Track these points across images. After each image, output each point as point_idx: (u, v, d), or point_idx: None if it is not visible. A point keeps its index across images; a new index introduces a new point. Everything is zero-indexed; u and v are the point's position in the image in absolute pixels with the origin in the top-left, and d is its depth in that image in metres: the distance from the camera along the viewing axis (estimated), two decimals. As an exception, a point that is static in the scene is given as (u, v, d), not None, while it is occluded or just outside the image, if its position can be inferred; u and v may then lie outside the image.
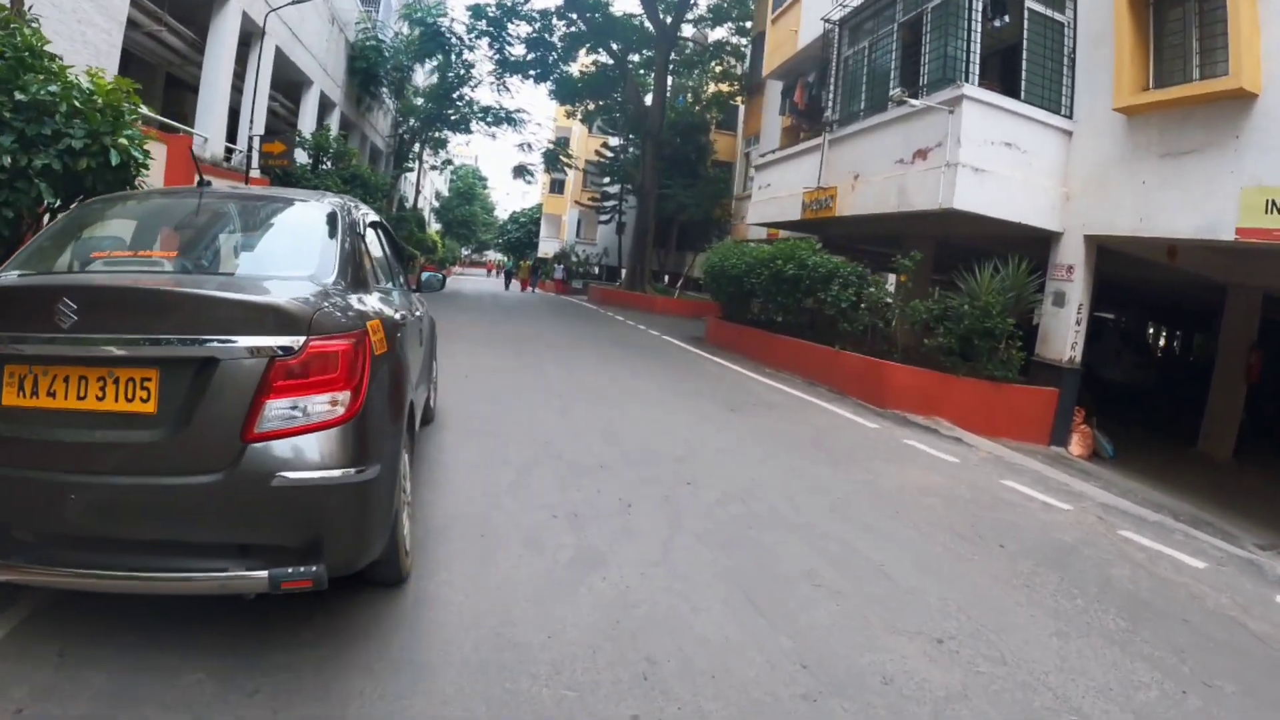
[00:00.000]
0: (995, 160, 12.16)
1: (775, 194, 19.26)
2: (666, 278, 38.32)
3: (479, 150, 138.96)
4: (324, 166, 20.39)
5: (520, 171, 40.65)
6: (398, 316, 4.37)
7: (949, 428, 11.09)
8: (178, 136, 13.65)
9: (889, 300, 12.82)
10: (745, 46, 35.97)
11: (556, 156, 40.03)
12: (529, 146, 38.85)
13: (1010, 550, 5.85)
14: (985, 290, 11.58)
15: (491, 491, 5.83)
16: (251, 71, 17.96)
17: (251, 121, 16.49)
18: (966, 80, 12.36)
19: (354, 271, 3.88)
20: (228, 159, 14.38)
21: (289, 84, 22.42)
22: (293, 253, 3.84)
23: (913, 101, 12.43)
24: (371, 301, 3.88)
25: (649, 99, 35.59)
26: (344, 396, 3.12)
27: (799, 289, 14.58)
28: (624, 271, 46.55)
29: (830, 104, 16.60)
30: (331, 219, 4.09)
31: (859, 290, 13.45)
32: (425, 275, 7.06)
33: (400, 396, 3.94)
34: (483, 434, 7.62)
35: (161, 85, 20.57)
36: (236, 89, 18.14)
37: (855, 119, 15.69)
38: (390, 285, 5.19)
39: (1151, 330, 30.11)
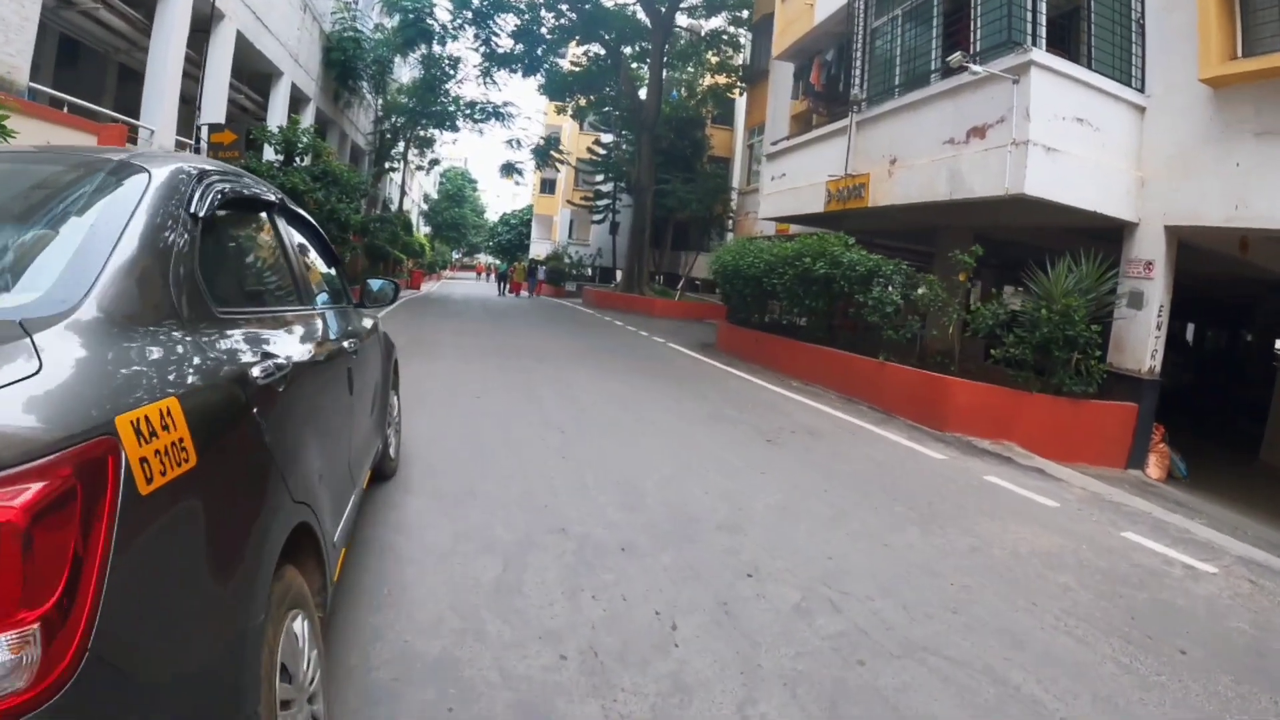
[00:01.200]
0: (1067, 138, 10.46)
1: (792, 184, 17.38)
2: (661, 278, 36.46)
3: (468, 152, 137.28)
4: (300, 162, 18.44)
5: (509, 169, 38.48)
6: (282, 359, 2.46)
7: (1024, 455, 9.33)
8: (110, 126, 11.72)
9: (946, 304, 10.87)
10: (743, 36, 34.19)
11: (547, 153, 37.98)
12: (518, 143, 36.54)
13: (1195, 658, 4.15)
14: (1060, 292, 9.74)
15: (467, 606, 3.89)
16: (211, 58, 16.02)
17: (199, 109, 14.56)
18: (1034, 44, 10.51)
19: (163, 292, 1.92)
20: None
21: (256, 75, 20.46)
22: (26, 258, 1.86)
23: (976, 68, 10.55)
24: (193, 351, 1.91)
25: (643, 93, 33.62)
26: (31, 633, 1.21)
27: (831, 291, 12.69)
28: (619, 273, 45.08)
29: (857, 82, 14.71)
30: (131, 196, 2.10)
31: (905, 292, 11.60)
32: (372, 285, 5.08)
33: (240, 561, 1.88)
34: (459, 496, 5.69)
35: (114, 77, 18.67)
36: (193, 78, 16.24)
37: (888, 96, 13.85)
38: (298, 303, 3.34)
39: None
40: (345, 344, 3.80)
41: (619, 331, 21.07)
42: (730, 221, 30.37)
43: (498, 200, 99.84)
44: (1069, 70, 10.57)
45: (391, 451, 5.86)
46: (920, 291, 11.16)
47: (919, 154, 12.45)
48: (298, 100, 22.95)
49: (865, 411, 11.16)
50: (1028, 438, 9.68)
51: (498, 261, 74.25)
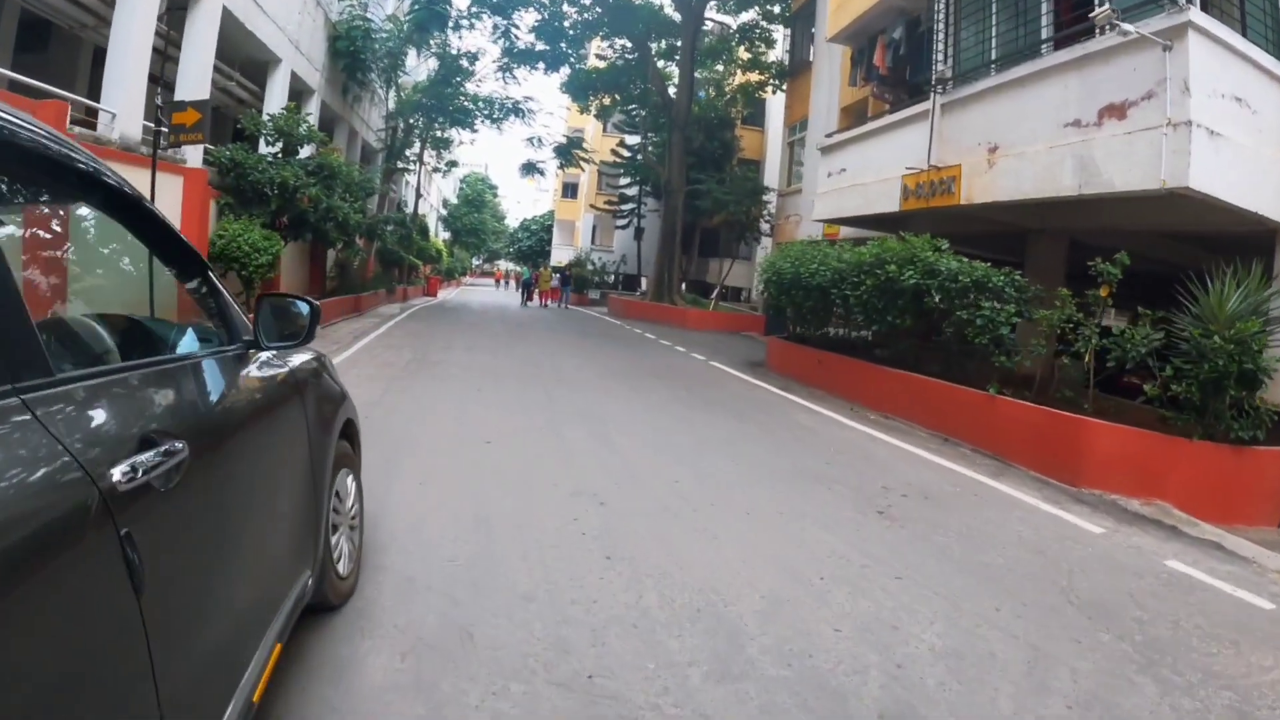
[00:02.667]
0: (1227, 121, 8.41)
1: (855, 180, 15.18)
2: (683, 286, 34.21)
3: (488, 158, 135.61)
4: (303, 154, 16.34)
5: (530, 169, 36.22)
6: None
7: (1185, 520, 7.21)
8: (48, 103, 9.66)
9: (1083, 327, 8.59)
10: (776, 29, 31.95)
11: (570, 151, 35.75)
12: (539, 141, 34.30)
13: None
14: (1224, 313, 7.54)
15: None
16: (190, 36, 13.97)
17: (162, 88, 12.47)
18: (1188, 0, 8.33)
19: None
20: (156, 142, 10.43)
21: (250, 62, 18.43)
22: None
23: (1127, 27, 8.33)
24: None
25: (673, 90, 31.39)
26: None
27: (921, 306, 10.44)
28: (643, 280, 43.03)
29: (940, 57, 12.45)
30: None
31: (1020, 309, 9.41)
32: (278, 307, 2.86)
33: None
34: (448, 649, 3.48)
35: (89, 60, 16.69)
36: (177, 61, 14.23)
37: (983, 73, 11.66)
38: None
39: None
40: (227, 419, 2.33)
41: (653, 347, 18.86)
42: (768, 225, 28.03)
43: (518, 206, 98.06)
44: (1228, 38, 8.44)
45: (342, 567, 3.71)
46: (1044, 313, 8.90)
47: (1030, 140, 10.27)
48: (300, 93, 20.87)
49: (971, 457, 8.94)
50: (1183, 495, 7.51)
51: (519, 268, 72.22)
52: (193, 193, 13.07)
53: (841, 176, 15.98)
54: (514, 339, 18.33)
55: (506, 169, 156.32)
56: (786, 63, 31.36)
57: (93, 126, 11.42)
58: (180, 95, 13.53)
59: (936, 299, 10.03)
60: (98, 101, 11.68)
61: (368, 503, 4.71)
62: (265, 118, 15.49)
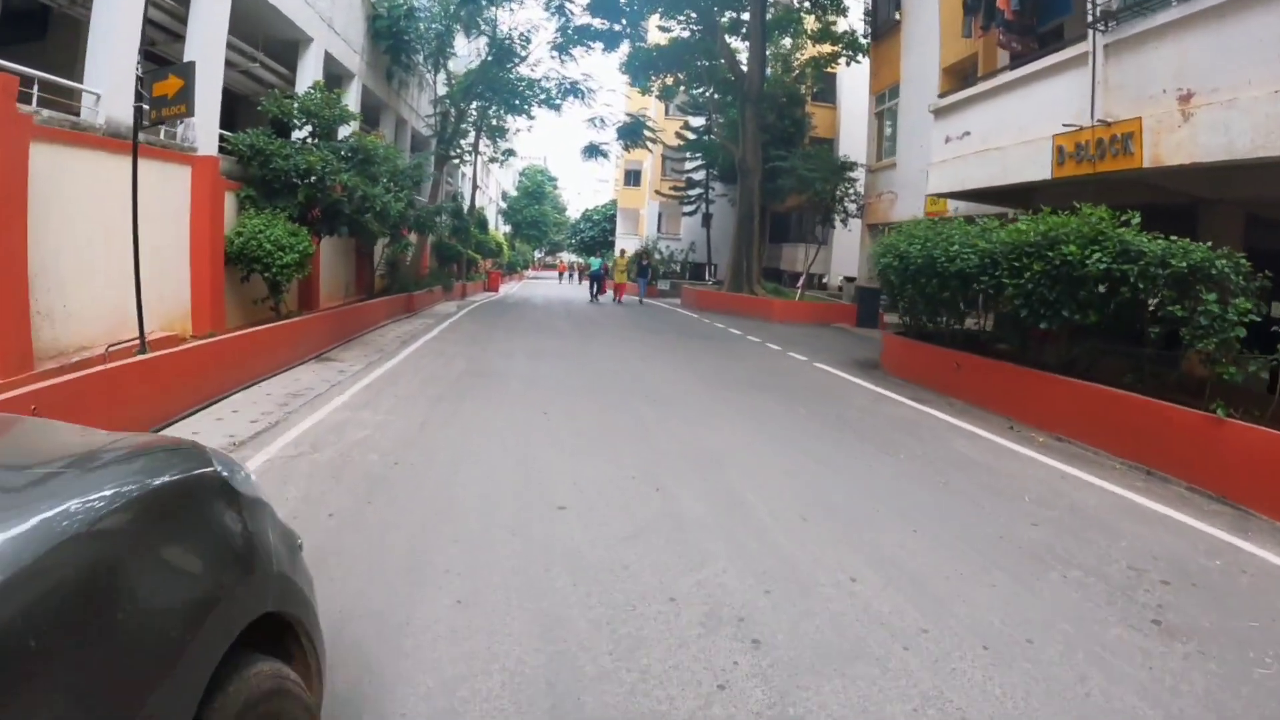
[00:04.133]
0: None
1: (986, 144, 12.77)
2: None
3: (546, 150, 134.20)
4: (346, 136, 14.32)
5: (592, 152, 33.94)
6: None
7: None
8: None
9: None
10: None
11: (635, 130, 33.46)
12: (601, 121, 32.03)
13: None
14: None
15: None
16: (198, 8, 12.01)
17: (144, 57, 10.47)
18: None
19: None
20: (137, 121, 8.49)
21: (276, 42, 16.45)
22: None
23: None
24: None
25: (742, 63, 28.93)
26: None
27: (1115, 297, 8.03)
28: (709, 268, 40.82)
29: (1102, -16, 10.02)
30: None
31: (1257, 302, 7.05)
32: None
33: None
34: None
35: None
36: (180, 38, 12.37)
37: (1163, 3, 9.16)
38: None
39: None
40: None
41: (742, 345, 16.55)
42: (853, 206, 25.47)
43: (578, 197, 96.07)
44: None
45: None
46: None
47: (1243, 83, 7.82)
48: (339, 78, 18.91)
49: (1195, 501, 6.60)
50: None
51: (583, 259, 70.01)
52: (203, 184, 11.17)
53: (965, 142, 13.57)
54: (584, 340, 16.23)
55: (565, 161, 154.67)
56: (862, 30, 28.72)
57: (77, 112, 9.52)
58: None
59: (1138, 288, 7.63)
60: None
61: (371, 645, 2.64)
62: (287, 97, 13.44)
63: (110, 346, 9.02)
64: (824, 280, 36.42)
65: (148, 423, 7.31)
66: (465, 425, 7.82)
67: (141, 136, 10.25)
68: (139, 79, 8.34)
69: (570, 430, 7.82)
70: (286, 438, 7.25)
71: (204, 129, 11.60)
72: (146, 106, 8.35)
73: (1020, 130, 11.70)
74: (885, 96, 24.53)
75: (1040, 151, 10.94)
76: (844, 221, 25.91)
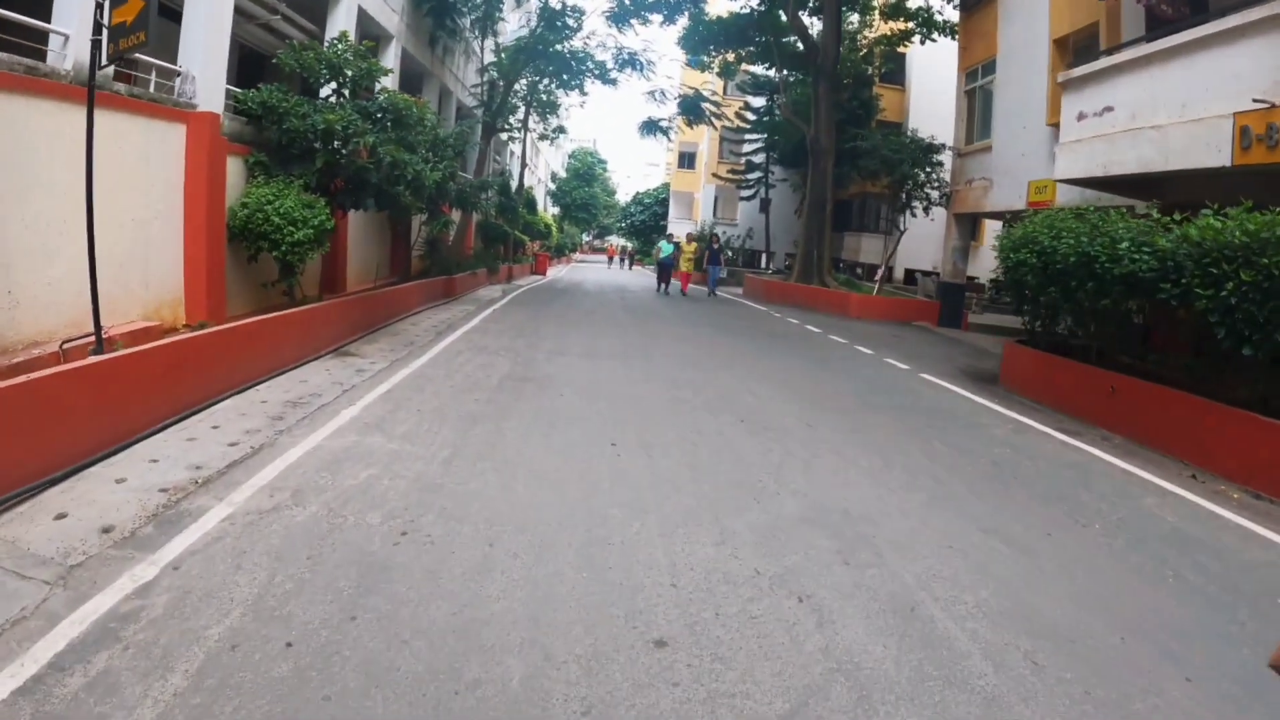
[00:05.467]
0: None
1: (1140, 121, 10.48)
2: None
3: (595, 133, 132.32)
4: (380, 95, 12.23)
5: (651, 128, 31.60)
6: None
7: None
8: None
9: None
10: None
11: (697, 104, 31.17)
12: (662, 94, 29.65)
13: None
14: None
15: None
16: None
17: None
18: None
19: None
20: (93, 62, 6.61)
21: (305, -2, 14.56)
22: None
23: None
24: None
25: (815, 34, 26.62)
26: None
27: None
28: (766, 256, 38.47)
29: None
30: None
31: None
32: None
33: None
34: None
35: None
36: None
37: None
38: None
39: None
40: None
41: (828, 347, 14.30)
42: (935, 193, 23.03)
43: (628, 180, 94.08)
44: None
45: None
46: None
47: None
48: (375, 39, 16.88)
49: None
50: None
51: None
52: (200, 145, 9.29)
53: (1107, 119, 11.28)
54: (647, 336, 14.15)
55: (614, 144, 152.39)
56: (940, 2, 26.26)
57: (44, 57, 7.65)
58: (193, 25, 9.73)
59: None
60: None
61: None
62: (308, 49, 11.39)
63: (66, 343, 7.17)
64: (890, 272, 34.17)
65: (86, 450, 5.41)
66: (507, 463, 5.82)
67: (123, 88, 8.44)
68: (98, 6, 6.40)
69: (650, 476, 5.78)
70: (265, 476, 5.32)
71: (207, 83, 9.74)
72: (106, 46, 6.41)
73: (1182, 107, 9.44)
74: (978, 73, 22.11)
75: (1214, 133, 8.69)
76: (926, 210, 23.55)
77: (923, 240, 27.39)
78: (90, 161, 6.27)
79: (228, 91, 10.51)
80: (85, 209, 6.30)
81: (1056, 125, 16.08)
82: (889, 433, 7.80)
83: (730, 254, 38.12)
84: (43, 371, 5.28)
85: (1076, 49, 15.84)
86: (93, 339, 6.54)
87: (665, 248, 27.67)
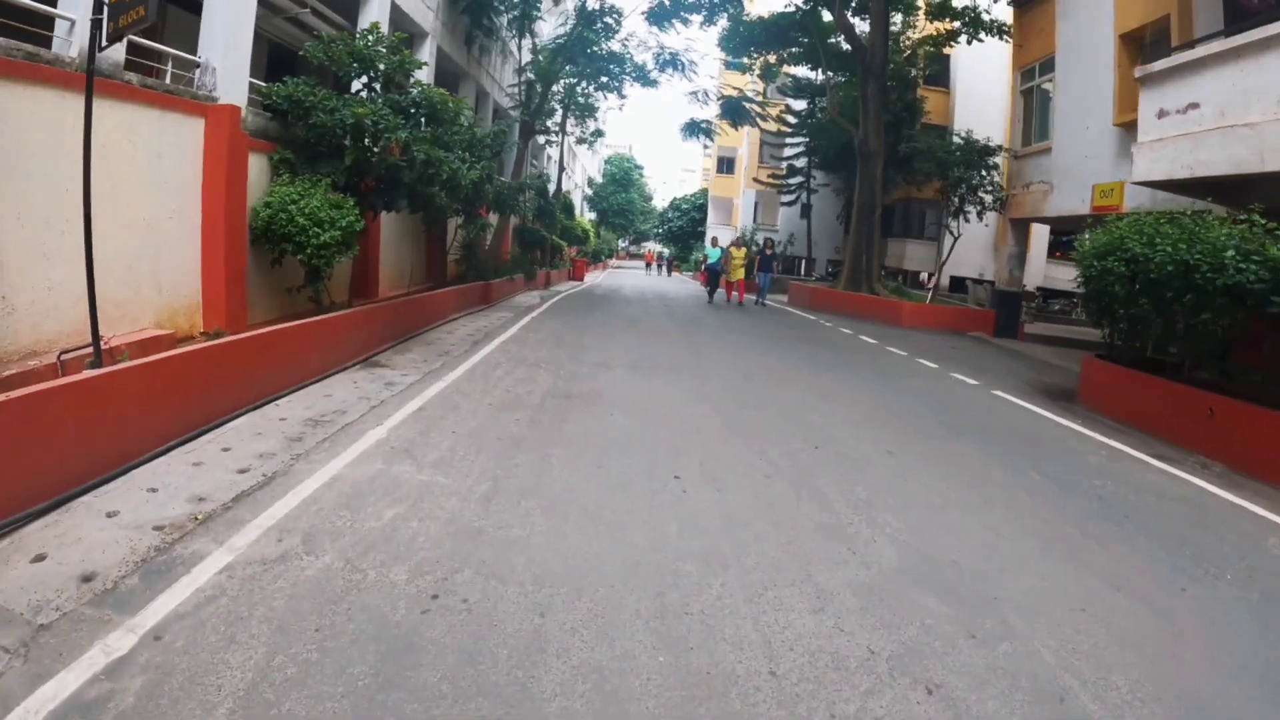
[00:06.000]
0: None
1: (1234, 119, 9.56)
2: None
3: (631, 138, 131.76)
4: (413, 90, 11.43)
5: (693, 130, 30.69)
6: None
7: None
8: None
9: None
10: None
11: (741, 105, 30.24)
12: (705, 95, 28.75)
13: None
14: None
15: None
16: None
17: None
18: None
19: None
20: (93, 46, 5.96)
21: (334, -11, 13.90)
22: None
23: None
24: None
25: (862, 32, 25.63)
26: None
27: None
28: (803, 262, 37.38)
29: None
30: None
31: None
32: None
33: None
34: None
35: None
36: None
37: None
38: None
39: None
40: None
41: (890, 360, 13.28)
42: (989, 197, 21.90)
43: (664, 186, 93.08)
44: None
45: None
46: None
47: None
48: (409, 37, 16.15)
49: None
50: None
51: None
52: (218, 142, 8.61)
53: (1192, 116, 10.34)
54: (695, 346, 13.28)
55: (649, 150, 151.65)
56: (990, 3, 25.20)
57: (48, 42, 7.00)
58: (214, 14, 9.05)
59: None
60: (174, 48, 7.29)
61: None
62: (337, 40, 10.66)
63: (65, 353, 6.47)
64: (934, 280, 33.10)
65: (77, 476, 4.70)
66: (555, 501, 5.00)
67: (135, 78, 7.76)
68: (103, -3, 5.70)
69: (722, 518, 4.93)
70: (275, 513, 4.56)
71: (229, 75, 9.07)
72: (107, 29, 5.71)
73: None
74: (1034, 72, 21.09)
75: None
76: (980, 214, 22.51)
77: (965, 245, 26.32)
78: (88, 153, 5.57)
79: (251, 85, 9.84)
80: (105, 208, 5.61)
81: (1124, 125, 15.18)
82: (977, 461, 6.91)
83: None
84: (25, 389, 4.54)
85: (1146, 44, 14.90)
86: (105, 347, 5.84)
87: (712, 253, 26.06)
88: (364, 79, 10.79)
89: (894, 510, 5.28)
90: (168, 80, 8.46)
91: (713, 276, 25.89)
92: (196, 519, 4.45)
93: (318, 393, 7.77)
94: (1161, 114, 11.18)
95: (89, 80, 5.59)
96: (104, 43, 5.74)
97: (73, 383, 4.89)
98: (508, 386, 8.52)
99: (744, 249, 26.51)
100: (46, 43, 6.95)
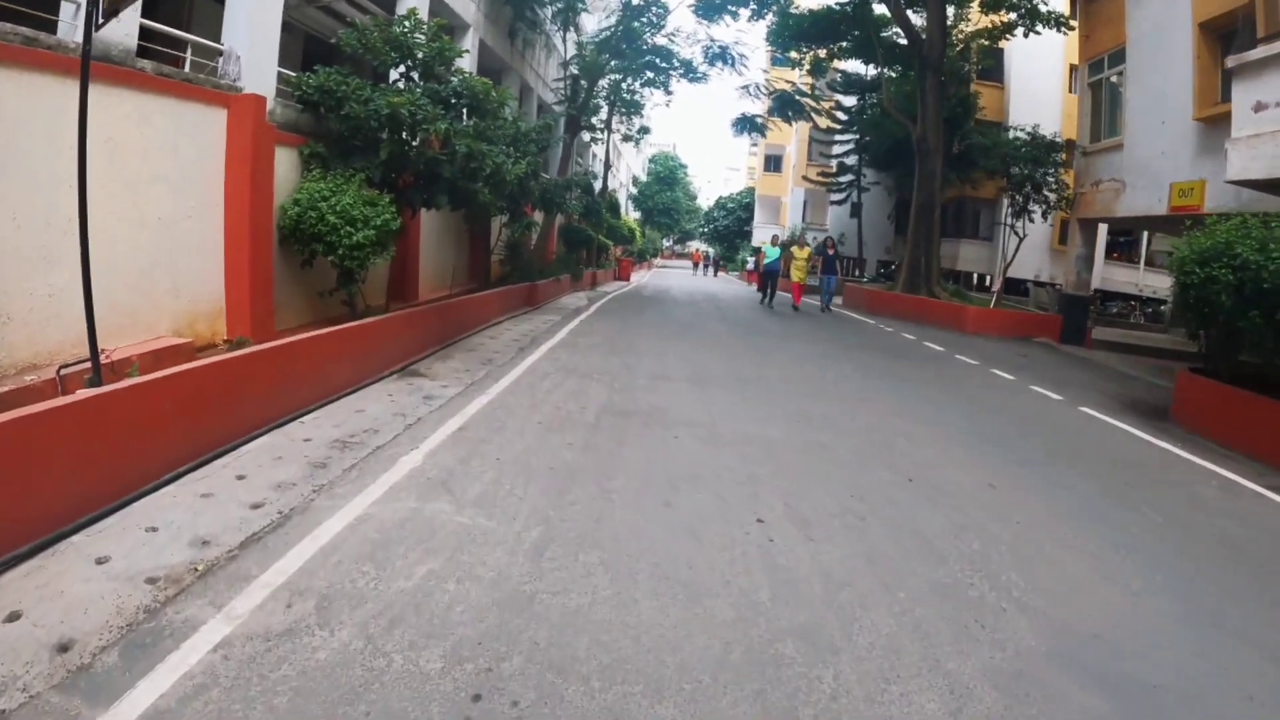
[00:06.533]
0: None
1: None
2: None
3: (674, 137, 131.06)
4: (453, 80, 10.55)
5: (745, 125, 29.78)
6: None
7: None
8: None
9: None
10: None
11: (795, 99, 29.28)
12: (757, 88, 27.91)
13: None
14: None
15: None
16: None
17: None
18: None
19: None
20: (89, 24, 5.32)
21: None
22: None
23: None
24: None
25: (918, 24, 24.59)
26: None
27: None
28: (859, 263, 36.24)
29: None
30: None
31: None
32: None
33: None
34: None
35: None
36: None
37: None
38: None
39: None
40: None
41: (962, 370, 12.34)
42: (1052, 196, 20.73)
43: (708, 185, 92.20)
44: None
45: None
46: None
47: None
48: (453, 29, 15.53)
49: None
50: None
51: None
52: (242, 134, 7.91)
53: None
54: (756, 355, 12.30)
55: (693, 149, 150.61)
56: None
57: (53, 27, 6.34)
58: (238, 1, 8.37)
59: None
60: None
61: None
62: (372, 27, 9.92)
63: (65, 368, 5.80)
64: (988, 282, 32.00)
65: (68, 512, 4.06)
66: (621, 554, 4.18)
67: (149, 65, 7.09)
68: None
69: (821, 578, 4.07)
70: (287, 565, 3.85)
71: (255, 64, 8.40)
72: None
73: None
74: (1103, 64, 19.94)
75: None
76: (1045, 214, 21.39)
77: (1029, 247, 25.39)
78: (83, 143, 4.87)
79: (282, 76, 9.16)
80: (112, 207, 4.93)
81: (1206, 120, 14.11)
82: (1086, 495, 6.01)
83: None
84: (9, 414, 3.85)
85: (1229, 32, 13.83)
86: (108, 360, 5.17)
87: (770, 252, 23.60)
88: (401, 69, 10.06)
89: (1014, 565, 4.42)
90: (187, 68, 7.79)
91: (768, 278, 23.65)
92: (196, 570, 3.73)
93: (349, 407, 7.06)
94: (1259, 107, 10.24)
95: (84, 61, 4.89)
96: (100, 19, 5.03)
97: (65, 405, 4.20)
98: (558, 401, 7.74)
99: (806, 248, 24.22)
100: (52, 28, 6.30)
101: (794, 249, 24.05)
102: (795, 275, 23.03)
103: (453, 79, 10.18)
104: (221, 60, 8.23)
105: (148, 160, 6.97)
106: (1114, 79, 19.22)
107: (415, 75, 10.07)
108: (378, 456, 5.66)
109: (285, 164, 8.85)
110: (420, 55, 9.94)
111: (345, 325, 7.73)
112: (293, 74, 9.32)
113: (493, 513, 4.62)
